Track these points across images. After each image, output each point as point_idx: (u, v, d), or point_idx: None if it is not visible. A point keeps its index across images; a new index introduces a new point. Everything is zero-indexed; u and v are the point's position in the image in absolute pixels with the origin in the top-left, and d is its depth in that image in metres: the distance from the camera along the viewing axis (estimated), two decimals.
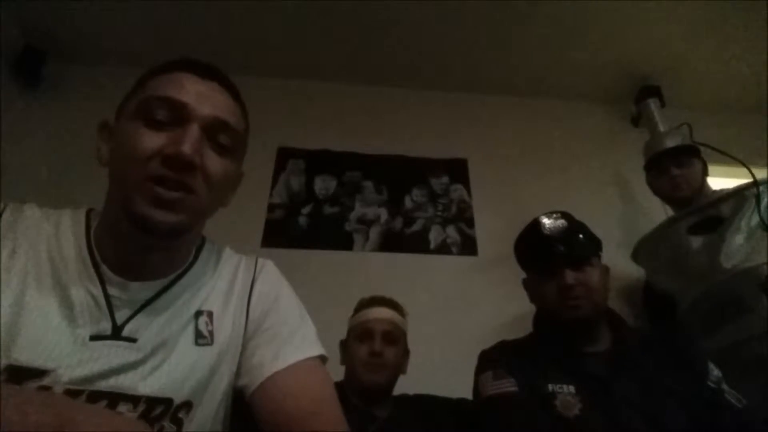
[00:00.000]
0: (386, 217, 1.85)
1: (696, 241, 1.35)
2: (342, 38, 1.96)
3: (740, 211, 1.31)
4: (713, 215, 1.35)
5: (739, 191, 1.35)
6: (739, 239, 1.27)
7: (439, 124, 2.11)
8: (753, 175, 1.35)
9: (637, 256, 1.60)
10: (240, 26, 1.90)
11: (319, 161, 1.95)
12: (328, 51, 2.02)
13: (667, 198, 1.50)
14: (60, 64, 1.94)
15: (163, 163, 0.50)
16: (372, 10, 1.84)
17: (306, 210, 1.82)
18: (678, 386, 0.85)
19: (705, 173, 1.49)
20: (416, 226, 1.84)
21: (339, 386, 1.16)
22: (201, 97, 0.54)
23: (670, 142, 1.51)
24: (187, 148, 0.50)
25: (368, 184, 1.92)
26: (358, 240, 1.78)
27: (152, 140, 0.51)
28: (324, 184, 1.90)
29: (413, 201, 1.91)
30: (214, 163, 0.54)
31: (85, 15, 1.83)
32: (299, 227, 1.78)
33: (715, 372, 0.89)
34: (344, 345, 1.23)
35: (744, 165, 1.40)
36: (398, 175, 1.95)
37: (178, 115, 0.53)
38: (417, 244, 1.80)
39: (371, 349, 1.12)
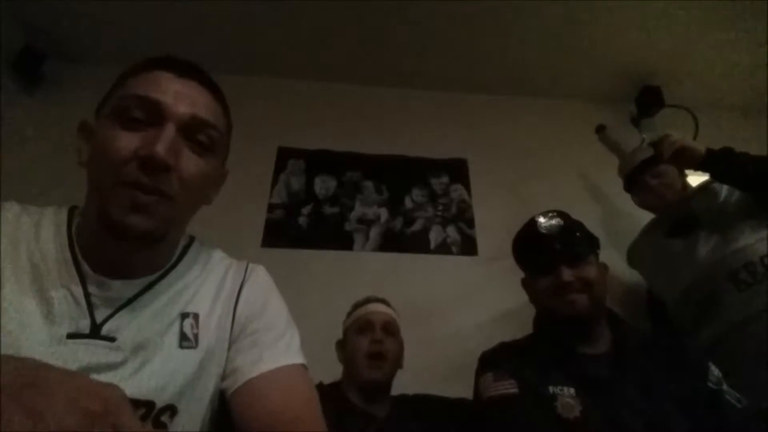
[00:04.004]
0: (386, 217, 1.85)
1: (675, 244, 1.36)
2: (342, 38, 1.96)
3: (711, 207, 1.32)
4: (686, 215, 1.37)
5: (704, 187, 1.36)
6: (710, 235, 1.28)
7: (439, 124, 2.11)
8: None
9: (631, 261, 1.62)
10: (240, 26, 1.89)
11: (319, 161, 1.95)
12: (328, 51, 2.02)
13: (655, 209, 1.51)
14: (60, 64, 1.94)
15: (138, 166, 0.50)
16: (372, 10, 1.84)
17: (306, 210, 1.82)
18: (678, 387, 0.85)
19: (682, 174, 1.50)
20: (416, 226, 1.84)
21: (337, 386, 1.17)
22: (178, 95, 0.53)
23: (640, 157, 1.51)
24: (160, 148, 0.49)
25: (368, 184, 1.92)
26: (358, 240, 1.78)
27: (128, 142, 0.50)
28: (324, 184, 1.90)
29: (413, 201, 1.91)
30: (192, 163, 0.54)
31: (85, 15, 1.83)
32: (299, 227, 1.78)
33: (716, 372, 0.89)
34: (341, 344, 1.24)
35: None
36: (398, 175, 1.95)
37: (154, 114, 0.52)
38: (417, 244, 1.80)
39: (373, 337, 1.15)
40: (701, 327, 1.25)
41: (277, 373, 0.56)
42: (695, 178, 1.49)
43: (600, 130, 1.79)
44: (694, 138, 1.78)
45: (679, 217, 1.38)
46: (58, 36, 1.91)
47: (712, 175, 1.28)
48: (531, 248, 1.03)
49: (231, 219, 1.67)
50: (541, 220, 1.01)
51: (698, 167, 1.29)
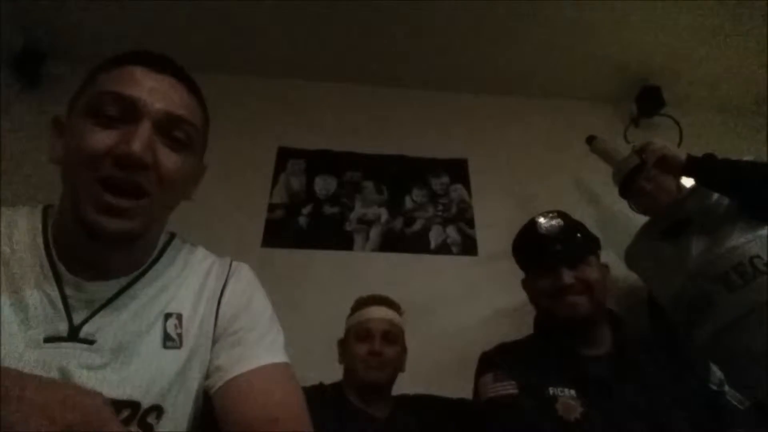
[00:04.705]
0: (386, 217, 1.85)
1: (669, 246, 1.36)
2: (341, 38, 1.96)
3: (704, 208, 1.32)
4: (679, 217, 1.36)
5: (698, 188, 1.35)
6: (702, 236, 1.28)
7: (439, 124, 2.11)
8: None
9: (628, 263, 1.62)
10: (239, 26, 1.89)
11: (319, 161, 1.94)
12: (328, 51, 2.02)
13: (653, 213, 1.50)
14: (60, 64, 1.93)
15: (113, 163, 0.49)
16: (371, 10, 1.83)
17: (306, 210, 1.82)
18: (679, 389, 0.85)
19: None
20: (416, 226, 1.84)
21: (337, 386, 1.17)
22: (153, 91, 0.52)
23: (629, 165, 1.49)
24: (136, 146, 0.48)
25: (368, 184, 1.92)
26: (359, 240, 1.78)
27: (102, 139, 0.49)
28: (324, 184, 1.90)
29: (413, 201, 1.90)
30: (169, 159, 0.53)
31: (84, 15, 1.83)
32: (299, 227, 1.78)
33: (717, 374, 0.88)
34: (342, 344, 1.23)
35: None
36: (398, 175, 1.95)
37: (130, 111, 0.51)
38: (417, 244, 1.79)
39: (371, 348, 1.12)
40: (694, 328, 1.25)
41: (260, 371, 0.56)
42: (691, 179, 1.49)
43: (590, 140, 1.80)
44: (679, 144, 1.80)
45: (673, 219, 1.38)
46: (58, 36, 1.90)
47: (696, 181, 1.29)
48: (531, 249, 1.03)
49: (231, 219, 1.67)
50: (542, 220, 1.01)
51: (681, 174, 1.30)
